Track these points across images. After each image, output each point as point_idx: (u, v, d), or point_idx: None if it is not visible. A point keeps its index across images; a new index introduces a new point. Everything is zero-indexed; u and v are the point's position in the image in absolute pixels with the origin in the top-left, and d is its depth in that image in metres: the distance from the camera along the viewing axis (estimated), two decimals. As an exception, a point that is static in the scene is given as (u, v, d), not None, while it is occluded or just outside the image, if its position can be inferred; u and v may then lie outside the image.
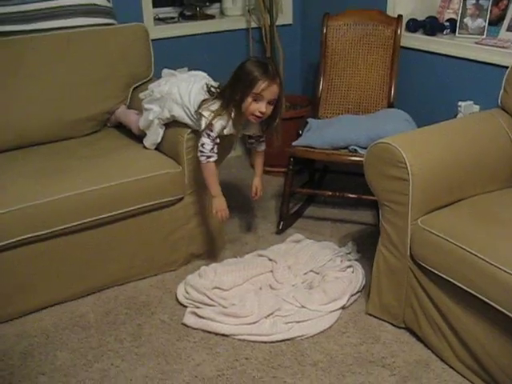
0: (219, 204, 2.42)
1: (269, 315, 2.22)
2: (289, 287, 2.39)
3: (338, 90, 3.20)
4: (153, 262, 2.53)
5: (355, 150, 2.70)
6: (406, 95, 3.15)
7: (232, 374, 2.00)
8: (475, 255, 1.80)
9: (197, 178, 2.50)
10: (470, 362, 1.93)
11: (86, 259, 2.37)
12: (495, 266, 1.74)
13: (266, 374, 1.99)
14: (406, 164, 1.96)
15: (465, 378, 1.95)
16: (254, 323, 2.19)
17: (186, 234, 2.56)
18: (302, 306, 2.26)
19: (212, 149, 2.32)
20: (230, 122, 2.33)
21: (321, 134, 2.81)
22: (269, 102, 2.30)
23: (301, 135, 2.90)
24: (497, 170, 2.23)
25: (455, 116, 2.83)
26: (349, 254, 2.63)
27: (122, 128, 2.84)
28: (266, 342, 2.13)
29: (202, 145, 2.31)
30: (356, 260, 2.58)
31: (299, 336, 2.16)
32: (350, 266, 2.49)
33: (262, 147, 2.67)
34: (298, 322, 2.21)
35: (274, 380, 1.96)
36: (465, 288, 1.84)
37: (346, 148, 2.75)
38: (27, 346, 2.15)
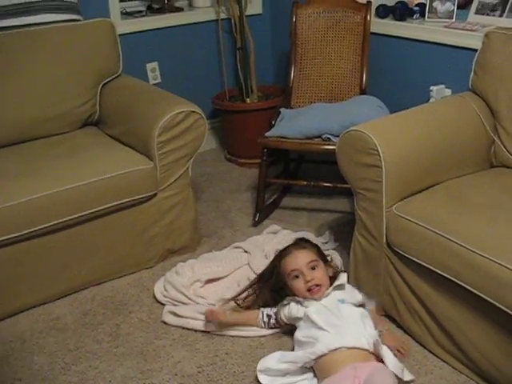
0: (212, 312, 2.12)
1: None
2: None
3: (310, 78, 3.18)
4: (129, 260, 2.50)
5: (328, 138, 2.69)
6: (378, 81, 3.14)
7: (212, 369, 1.98)
8: (450, 240, 1.80)
9: (170, 173, 2.47)
10: (449, 347, 1.93)
11: (61, 260, 2.33)
12: (470, 250, 1.74)
13: (247, 368, 1.98)
14: (378, 151, 1.95)
15: (445, 362, 1.95)
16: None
17: (161, 230, 2.53)
18: (281, 298, 2.25)
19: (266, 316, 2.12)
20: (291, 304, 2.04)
21: (293, 124, 2.79)
22: (311, 267, 2.01)
23: (273, 125, 2.87)
24: (470, 154, 2.23)
25: (427, 101, 2.82)
26: (326, 243, 2.62)
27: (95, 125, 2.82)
28: (245, 337, 2.12)
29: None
30: (333, 249, 2.57)
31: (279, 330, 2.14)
32: (328, 255, 2.47)
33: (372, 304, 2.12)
34: (277, 314, 2.20)
35: (254, 374, 1.94)
36: (441, 273, 1.84)
37: (319, 137, 2.74)
38: (2, 351, 2.11)
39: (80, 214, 2.27)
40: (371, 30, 3.07)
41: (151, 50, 3.46)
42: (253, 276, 2.36)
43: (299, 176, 3.32)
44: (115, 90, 2.82)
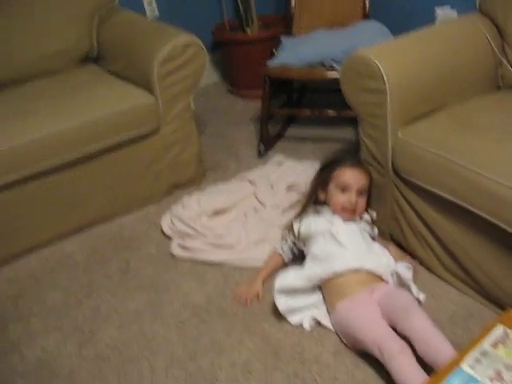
0: (245, 289, 2.01)
1: (257, 242, 2.22)
2: (274, 209, 2.37)
3: (311, 5, 3.10)
4: (135, 196, 2.50)
5: (332, 65, 2.64)
6: (382, 6, 3.05)
7: (222, 299, 2.01)
8: (456, 163, 1.78)
9: (172, 107, 2.44)
10: (456, 270, 1.95)
11: (68, 199, 2.33)
12: (476, 173, 1.72)
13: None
14: (381, 74, 1.90)
15: (452, 285, 1.97)
16: (243, 251, 2.19)
17: (167, 164, 2.53)
18: (289, 229, 2.26)
19: (286, 248, 2.09)
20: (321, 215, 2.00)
21: (296, 52, 2.73)
22: (359, 194, 1.96)
23: (275, 55, 2.82)
24: (476, 76, 2.18)
25: (433, 23, 2.75)
26: (331, 171, 2.61)
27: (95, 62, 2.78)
28: (255, 268, 2.13)
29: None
30: (339, 178, 2.57)
31: (287, 258, 2.17)
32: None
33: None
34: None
35: (264, 302, 1.97)
36: (448, 197, 1.83)
37: (322, 64, 2.68)
38: (16, 290, 2.15)
39: (83, 152, 2.26)
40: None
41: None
42: (258, 206, 2.36)
43: (303, 106, 3.27)
44: (113, 25, 2.75)
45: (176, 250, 2.23)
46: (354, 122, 2.21)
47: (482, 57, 2.19)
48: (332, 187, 1.98)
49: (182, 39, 2.38)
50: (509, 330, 1.30)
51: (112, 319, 1.97)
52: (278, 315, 1.90)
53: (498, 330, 1.30)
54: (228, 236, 2.23)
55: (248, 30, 3.48)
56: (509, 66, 2.19)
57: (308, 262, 1.94)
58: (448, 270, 1.98)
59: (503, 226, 1.67)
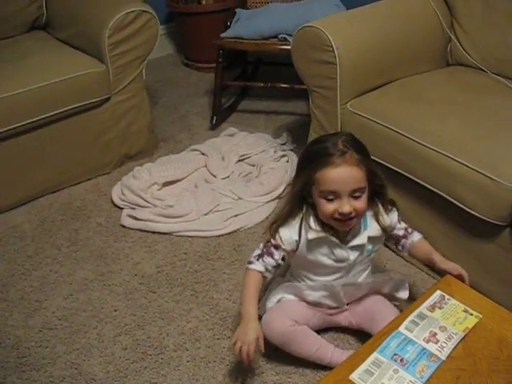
0: (243, 332, 1.49)
1: (207, 212, 2.22)
2: (224, 180, 2.38)
3: (266, -23, 3.08)
4: (85, 166, 2.47)
5: (285, 38, 2.64)
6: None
7: (171, 268, 2.02)
8: (404, 135, 1.82)
9: (123, 76, 2.41)
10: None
11: (16, 168, 2.28)
12: (422, 145, 1.76)
13: (206, 267, 2.02)
14: (332, 47, 1.92)
15: (398, 255, 2.01)
16: (193, 221, 2.19)
17: (117, 135, 2.50)
18: (239, 198, 2.27)
19: (259, 256, 1.58)
20: (311, 225, 1.55)
21: (249, 24, 2.72)
22: (354, 196, 1.46)
23: (229, 27, 2.80)
24: (426, 51, 2.21)
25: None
26: (283, 144, 2.62)
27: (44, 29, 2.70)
28: (204, 237, 2.14)
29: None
30: (291, 150, 2.58)
31: (237, 229, 2.18)
32: (284, 156, 2.49)
33: (415, 237, 1.69)
34: (236, 215, 2.22)
35: (213, 272, 1.99)
36: (394, 168, 1.87)
37: (275, 37, 2.68)
38: (-39, 260, 2.11)
39: (31, 120, 2.21)
40: None
41: None
42: (209, 177, 2.37)
43: (257, 79, 3.27)
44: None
45: (126, 221, 2.22)
46: (306, 95, 2.22)
47: (432, 32, 2.22)
48: (316, 193, 1.50)
49: (133, 7, 2.34)
50: (445, 295, 1.34)
51: (60, 289, 1.95)
52: (226, 284, 1.92)
53: (436, 295, 1.35)
54: (178, 206, 2.22)
55: (203, 1, 3.44)
56: (457, 43, 2.22)
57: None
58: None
59: (445, 195, 1.72)
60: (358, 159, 1.45)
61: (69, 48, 2.49)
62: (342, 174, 1.43)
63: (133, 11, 2.33)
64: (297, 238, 1.55)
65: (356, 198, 1.46)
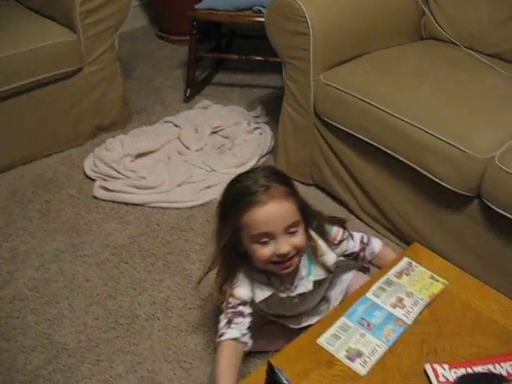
0: None
1: (180, 183, 2.22)
2: (198, 152, 2.38)
3: None
4: (57, 138, 2.44)
5: (259, 10, 2.62)
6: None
7: (144, 239, 2.02)
8: (376, 107, 1.83)
9: (95, 47, 2.38)
10: (374, 213, 2.02)
11: (-16, 140, 2.26)
12: (393, 116, 1.78)
13: (178, 238, 2.02)
14: (306, 18, 1.92)
15: (370, 226, 2.04)
16: (166, 192, 2.19)
17: (90, 106, 2.47)
18: (212, 170, 2.27)
19: (227, 323, 1.37)
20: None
21: (224, -5, 2.70)
22: (289, 232, 1.30)
23: (203, -2, 2.77)
24: (399, 25, 2.22)
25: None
26: (257, 117, 2.62)
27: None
28: (176, 208, 2.14)
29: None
30: (264, 123, 2.58)
31: (210, 200, 2.18)
32: (257, 128, 2.49)
33: (375, 246, 1.53)
34: (209, 186, 2.22)
35: (185, 242, 1.99)
36: (365, 139, 1.88)
37: (250, 9, 2.66)
38: None
39: (1, 89, 2.18)
40: None
41: None
42: (183, 149, 2.36)
43: (231, 51, 3.25)
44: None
45: (98, 192, 2.21)
46: (281, 68, 2.21)
47: (406, 6, 2.23)
48: (246, 239, 1.33)
49: (105, -25, 2.31)
50: (413, 262, 1.36)
51: (31, 260, 1.94)
52: (198, 254, 1.93)
53: (403, 262, 1.37)
54: (151, 177, 2.22)
55: (177, -27, 3.39)
56: (431, 16, 2.23)
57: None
58: (366, 212, 2.05)
59: (416, 167, 1.74)
60: (285, 191, 1.30)
61: (40, 17, 2.44)
62: (272, 211, 1.27)
63: (105, -20, 2.30)
64: (251, 294, 1.41)
65: (292, 233, 1.31)
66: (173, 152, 2.37)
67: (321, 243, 1.41)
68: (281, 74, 2.83)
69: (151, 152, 2.37)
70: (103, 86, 2.48)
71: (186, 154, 2.36)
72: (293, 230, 1.30)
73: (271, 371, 1.05)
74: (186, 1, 3.04)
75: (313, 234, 1.40)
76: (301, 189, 1.88)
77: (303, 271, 1.41)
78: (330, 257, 1.42)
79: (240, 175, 1.37)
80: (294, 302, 1.46)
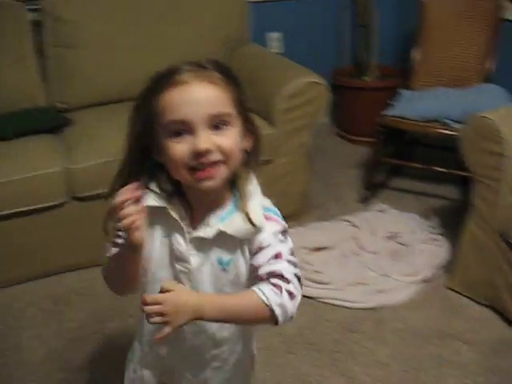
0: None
1: (353, 283, 2.25)
2: (372, 254, 2.40)
3: (433, 62, 3.11)
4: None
5: (445, 123, 2.65)
6: (507, 70, 3.02)
7: (311, 333, 2.05)
8: None
9: (288, 141, 2.52)
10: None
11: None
12: None
13: (347, 338, 2.03)
14: (502, 139, 1.93)
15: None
16: (339, 290, 2.22)
17: (274, 196, 2.57)
18: (385, 275, 2.28)
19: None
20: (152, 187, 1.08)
21: (414, 106, 2.76)
22: (215, 126, 1.00)
23: (391, 105, 2.86)
24: None
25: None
26: (433, 227, 2.60)
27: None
28: (348, 308, 2.16)
29: None
30: (440, 234, 2.55)
31: (380, 305, 2.17)
32: (435, 240, 2.47)
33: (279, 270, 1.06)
34: (381, 291, 2.23)
35: (353, 344, 1.99)
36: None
37: (436, 121, 2.71)
38: None
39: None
40: (504, 17, 2.97)
41: (273, 19, 3.49)
42: (358, 250, 2.39)
43: (413, 159, 3.27)
44: (240, 56, 2.87)
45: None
46: (459, 180, 2.18)
47: None
48: (160, 134, 1.02)
49: (308, 77, 2.48)
50: None
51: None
52: (366, 358, 1.91)
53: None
54: (326, 273, 2.26)
55: (366, 78, 3.53)
56: None
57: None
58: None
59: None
60: (221, 78, 1.01)
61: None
62: (193, 93, 0.99)
63: (308, 81, 2.46)
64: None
65: (218, 130, 1.00)
66: (348, 251, 2.42)
67: (255, 184, 1.09)
68: (458, 186, 2.84)
69: (326, 248, 2.43)
70: (289, 178, 2.60)
71: (361, 255, 2.39)
72: (220, 125, 1.00)
73: None
74: (371, 105, 3.15)
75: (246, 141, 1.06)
76: (474, 309, 1.85)
77: (224, 211, 1.07)
78: (258, 216, 1.04)
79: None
80: (181, 251, 1.07)
